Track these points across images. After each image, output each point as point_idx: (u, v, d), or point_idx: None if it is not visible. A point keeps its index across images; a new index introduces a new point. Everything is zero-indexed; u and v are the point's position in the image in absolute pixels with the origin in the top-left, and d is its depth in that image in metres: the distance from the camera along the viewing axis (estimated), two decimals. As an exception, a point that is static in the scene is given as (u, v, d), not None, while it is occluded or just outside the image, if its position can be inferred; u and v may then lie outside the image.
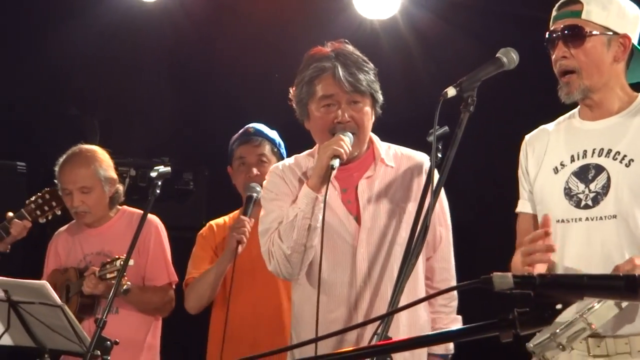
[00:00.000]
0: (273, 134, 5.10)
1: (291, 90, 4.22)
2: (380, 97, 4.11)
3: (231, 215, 5.16)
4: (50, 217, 5.34)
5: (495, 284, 1.97)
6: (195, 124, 7.48)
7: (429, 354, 4.20)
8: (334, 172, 3.97)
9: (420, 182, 4.15)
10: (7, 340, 4.64)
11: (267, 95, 6.80)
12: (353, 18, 6.40)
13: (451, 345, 4.26)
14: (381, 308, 4.03)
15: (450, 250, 4.34)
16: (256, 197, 4.84)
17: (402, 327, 4.01)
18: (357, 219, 4.13)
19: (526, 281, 1.94)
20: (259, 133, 5.06)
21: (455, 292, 4.34)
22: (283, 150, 5.10)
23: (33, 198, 5.31)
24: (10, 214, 5.25)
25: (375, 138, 4.26)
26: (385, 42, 6.20)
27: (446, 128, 3.92)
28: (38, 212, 5.28)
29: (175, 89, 7.55)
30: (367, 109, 4.07)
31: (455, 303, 4.32)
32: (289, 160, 4.30)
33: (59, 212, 5.33)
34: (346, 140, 3.98)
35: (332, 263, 4.01)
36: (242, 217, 4.83)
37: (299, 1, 6.80)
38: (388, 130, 4.29)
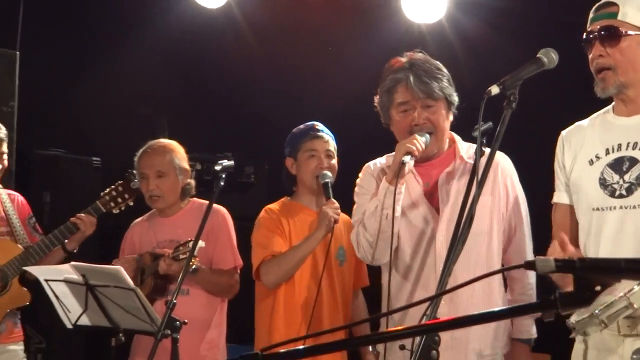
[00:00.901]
0: (330, 133, 5.08)
1: (375, 99, 4.33)
2: (455, 99, 4.17)
3: (281, 200, 5.15)
4: (123, 208, 5.37)
5: (538, 267, 1.96)
6: (256, 122, 7.50)
7: (512, 339, 4.22)
8: (407, 167, 4.05)
9: (495, 176, 4.21)
10: (85, 321, 4.65)
11: (321, 96, 6.83)
12: (402, 22, 6.38)
13: (533, 330, 4.25)
14: (458, 290, 4.05)
15: (526, 242, 4.33)
16: (330, 182, 4.87)
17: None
18: (437, 210, 4.20)
19: (567, 264, 1.93)
20: (324, 130, 5.05)
21: (531, 280, 4.33)
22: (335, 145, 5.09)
23: (107, 190, 5.34)
24: (80, 214, 5.28)
25: (457, 138, 4.34)
26: (431, 45, 6.16)
27: (490, 124, 3.92)
28: (112, 204, 5.32)
29: (236, 90, 7.58)
30: (442, 111, 4.15)
31: (532, 292, 4.31)
32: (380, 160, 4.39)
33: (131, 203, 5.36)
34: (420, 140, 4.07)
35: (413, 249, 4.07)
36: (332, 199, 4.82)
37: (352, 7, 6.79)
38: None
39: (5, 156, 5.34)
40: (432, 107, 4.15)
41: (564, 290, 2.31)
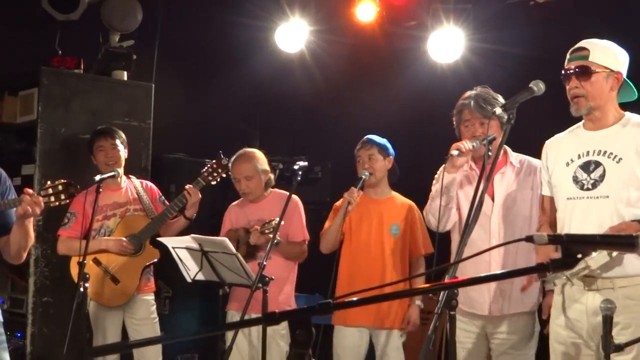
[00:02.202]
0: (381, 140, 5.06)
1: (453, 120, 4.42)
2: (504, 119, 3.99)
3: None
4: (218, 179, 5.35)
5: (535, 240, 1.98)
6: (322, 133, 7.51)
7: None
8: (454, 159, 4.13)
9: (534, 177, 4.26)
10: (200, 277, 4.70)
11: (369, 114, 6.83)
12: (428, 62, 6.35)
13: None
14: (507, 260, 4.19)
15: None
16: (363, 178, 4.90)
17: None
18: (492, 198, 4.30)
19: (556, 238, 1.95)
20: (370, 141, 5.05)
21: None
22: (390, 150, 5.06)
23: (205, 168, 5.35)
24: (189, 185, 5.30)
25: (508, 149, 4.39)
26: (451, 80, 6.11)
27: (494, 136, 3.95)
28: (210, 178, 5.31)
29: (307, 110, 7.59)
30: (493, 127, 4.15)
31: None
32: None
33: (224, 175, 5.32)
34: (468, 143, 4.15)
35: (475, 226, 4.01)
36: (354, 188, 4.87)
37: (391, 51, 6.77)
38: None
39: (122, 153, 5.38)
40: (485, 124, 4.20)
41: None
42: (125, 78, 6.25)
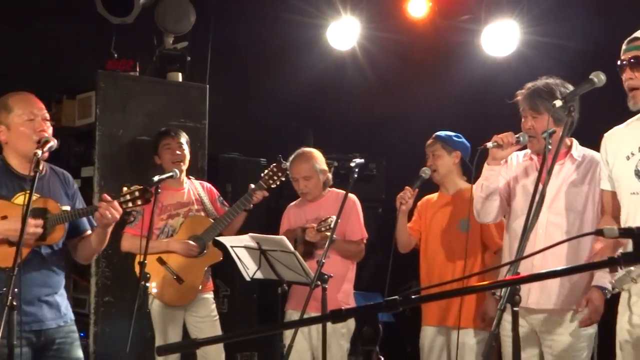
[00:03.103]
0: (447, 135, 4.99)
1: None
2: (559, 116, 3.96)
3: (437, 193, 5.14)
4: (278, 183, 5.37)
5: (605, 234, 1.93)
6: (377, 131, 7.50)
7: (593, 286, 4.00)
8: (493, 151, 4.11)
9: (594, 170, 4.10)
10: (258, 275, 4.73)
11: (422, 111, 6.80)
12: (482, 56, 6.29)
13: (609, 285, 3.97)
14: (555, 251, 3.98)
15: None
16: (422, 177, 4.83)
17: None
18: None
19: (627, 231, 1.90)
20: (435, 136, 5.00)
21: None
22: (458, 144, 4.97)
23: (266, 172, 5.37)
24: (252, 185, 5.35)
25: (575, 141, 4.24)
26: (506, 74, 6.03)
27: (554, 129, 3.88)
28: (270, 181, 5.34)
29: (360, 109, 7.58)
30: (545, 122, 4.01)
31: None
32: (518, 153, 4.36)
33: (283, 179, 5.34)
34: (512, 136, 4.07)
35: (524, 212, 3.86)
36: (407, 187, 4.82)
37: (445, 45, 6.72)
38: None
39: (187, 152, 5.44)
40: (537, 118, 4.08)
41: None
42: (180, 79, 6.31)
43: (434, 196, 5.11)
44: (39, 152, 3.51)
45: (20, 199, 3.70)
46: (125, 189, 3.85)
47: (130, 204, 3.82)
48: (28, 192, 3.59)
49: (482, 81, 6.37)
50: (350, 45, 6.68)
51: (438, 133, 5.01)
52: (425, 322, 4.95)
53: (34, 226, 3.63)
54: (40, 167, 3.68)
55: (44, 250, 3.78)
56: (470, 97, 6.54)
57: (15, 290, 3.23)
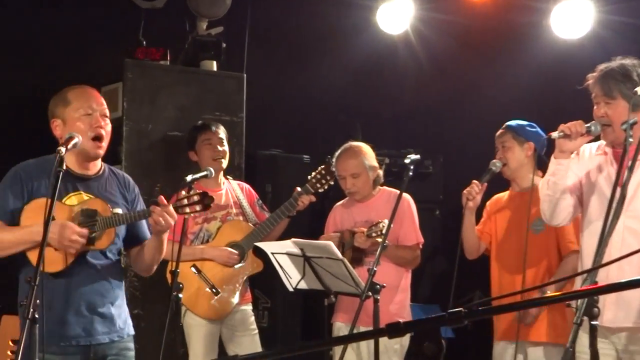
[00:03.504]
0: (519, 125, 4.91)
1: None
2: (638, 101, 3.84)
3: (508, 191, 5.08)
4: (326, 187, 5.37)
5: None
6: (432, 123, 7.46)
7: None
8: (560, 143, 4.01)
9: None
10: (302, 285, 4.70)
11: (483, 100, 6.73)
12: (550, 38, 6.21)
13: None
14: (632, 260, 3.83)
15: None
16: (492, 170, 4.78)
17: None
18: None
19: None
20: (506, 126, 4.92)
21: None
22: (532, 134, 4.87)
23: (313, 174, 5.37)
24: (298, 188, 5.34)
25: None
26: (578, 58, 5.94)
27: (635, 119, 3.79)
28: (318, 185, 5.34)
29: (415, 98, 7.55)
30: (620, 108, 3.91)
31: None
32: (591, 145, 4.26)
33: (332, 183, 5.35)
34: (582, 126, 3.97)
35: (599, 214, 3.85)
36: (475, 182, 4.77)
37: (508, 27, 6.66)
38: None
39: (226, 149, 5.45)
40: (611, 104, 3.95)
41: None
42: (215, 68, 6.33)
43: (504, 195, 5.05)
44: (63, 149, 3.54)
45: (72, 199, 3.77)
46: (183, 192, 3.88)
47: (186, 210, 3.82)
48: (81, 192, 3.71)
49: (551, 66, 6.30)
50: (402, 29, 6.65)
51: (509, 122, 4.93)
52: (496, 337, 4.87)
53: (77, 235, 3.66)
54: (98, 167, 3.84)
55: (95, 256, 3.80)
56: (538, 85, 6.46)
57: (37, 301, 3.24)
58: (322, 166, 5.35)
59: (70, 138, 3.66)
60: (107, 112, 3.89)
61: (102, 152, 3.83)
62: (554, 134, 3.99)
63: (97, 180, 3.87)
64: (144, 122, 5.96)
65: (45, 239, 3.34)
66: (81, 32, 6.42)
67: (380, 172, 5.30)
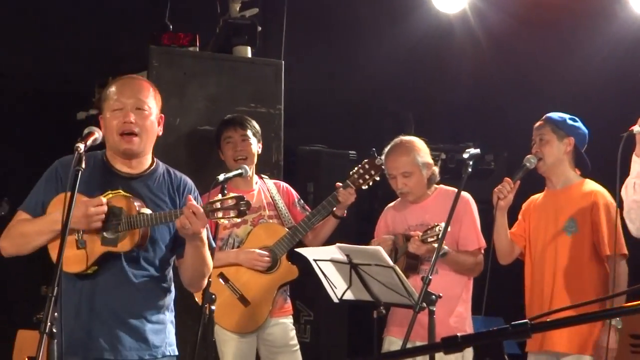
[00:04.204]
0: (559, 117, 5.00)
1: None
2: None
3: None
4: (370, 184, 5.36)
5: None
6: (494, 114, 7.43)
7: None
8: None
9: None
10: (349, 295, 4.71)
11: (552, 88, 6.68)
12: (631, 14, 6.15)
13: None
14: None
15: None
16: (526, 166, 4.86)
17: None
18: None
19: None
20: (545, 118, 5.01)
21: None
22: (573, 129, 4.98)
23: (355, 169, 5.36)
24: (339, 184, 5.35)
25: None
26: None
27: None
28: (361, 180, 5.32)
29: (473, 85, 7.53)
30: None
31: None
32: None
33: (377, 178, 5.34)
34: None
35: None
36: (507, 179, 4.84)
37: (577, 8, 6.61)
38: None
39: (255, 147, 5.47)
40: None
41: None
42: (250, 55, 6.35)
43: (539, 195, 5.14)
44: (81, 145, 3.58)
45: (108, 196, 3.82)
46: (219, 195, 3.88)
47: (219, 215, 3.77)
48: (120, 191, 3.80)
49: (633, 47, 6.23)
50: (459, 7, 6.64)
51: (549, 114, 5.00)
52: (527, 347, 4.91)
53: (92, 205, 3.69)
54: (146, 166, 3.93)
55: (129, 263, 3.83)
56: (617, 70, 6.41)
57: (55, 314, 3.27)
58: (366, 160, 5.34)
59: (90, 134, 3.70)
60: (145, 103, 3.93)
61: (134, 147, 3.87)
62: (636, 128, 3.96)
63: (143, 180, 3.93)
64: (171, 115, 5.97)
65: (64, 242, 3.38)
66: (102, 17, 6.49)
67: (436, 169, 5.29)
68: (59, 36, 6.48)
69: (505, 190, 4.81)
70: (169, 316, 3.99)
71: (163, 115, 4.09)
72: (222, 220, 3.83)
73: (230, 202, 3.77)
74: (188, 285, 4.10)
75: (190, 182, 4.09)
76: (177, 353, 3.99)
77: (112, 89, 3.94)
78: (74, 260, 3.73)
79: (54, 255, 3.75)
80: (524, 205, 5.14)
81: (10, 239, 3.88)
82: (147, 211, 3.82)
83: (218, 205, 3.77)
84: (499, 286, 4.94)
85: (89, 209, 3.69)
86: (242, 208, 3.76)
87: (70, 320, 3.63)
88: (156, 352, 3.89)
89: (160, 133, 4.09)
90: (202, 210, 3.73)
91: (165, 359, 3.92)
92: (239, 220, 5.24)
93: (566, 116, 4.99)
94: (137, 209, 3.79)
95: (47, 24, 6.48)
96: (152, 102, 3.97)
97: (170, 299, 4.01)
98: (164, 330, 3.94)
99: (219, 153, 5.49)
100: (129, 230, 3.77)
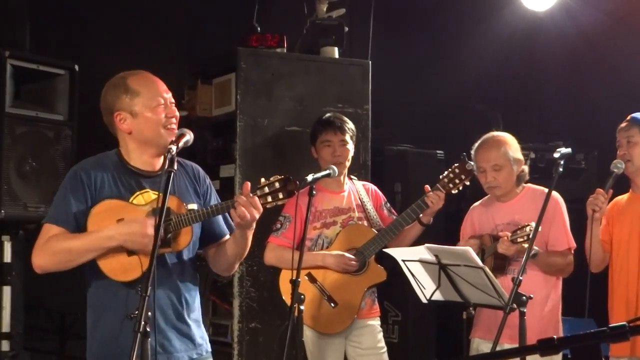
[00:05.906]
0: None
1: None
2: None
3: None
4: (460, 188, 5.32)
5: None
6: (585, 112, 7.33)
7: None
8: None
9: None
10: (438, 296, 4.68)
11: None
12: None
13: None
14: None
15: None
16: (614, 173, 4.78)
17: None
18: None
19: None
20: (631, 119, 4.91)
21: None
22: None
23: (445, 173, 5.31)
24: (428, 187, 5.33)
25: None
26: None
27: None
28: (451, 185, 5.28)
29: (564, 83, 7.45)
30: None
31: None
32: None
33: (467, 183, 5.30)
34: None
35: None
36: (599, 190, 4.75)
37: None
38: None
39: (351, 149, 5.47)
40: None
41: None
42: (337, 55, 6.37)
43: (623, 197, 5.05)
44: (174, 147, 3.58)
45: (138, 198, 3.76)
46: (263, 179, 3.78)
47: (269, 199, 3.72)
48: (148, 191, 3.72)
49: None
50: (549, 5, 6.58)
51: (635, 115, 4.90)
52: (611, 352, 4.87)
53: (152, 226, 3.55)
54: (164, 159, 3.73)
55: (170, 260, 3.79)
56: None
57: (149, 313, 3.27)
58: (456, 164, 5.30)
59: (182, 135, 3.70)
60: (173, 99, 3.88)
61: (174, 139, 3.72)
62: None
63: (164, 176, 3.74)
64: (259, 117, 6.05)
65: (157, 247, 3.39)
66: (189, 20, 6.57)
67: (526, 168, 5.23)
68: (150, 39, 6.58)
69: (600, 202, 4.73)
70: (200, 309, 3.95)
71: None
72: (272, 203, 3.74)
73: (277, 185, 3.72)
74: (224, 270, 4.04)
75: (199, 167, 4.02)
76: (210, 348, 3.96)
77: (141, 84, 3.80)
78: (126, 268, 3.65)
79: (105, 266, 3.67)
80: (608, 209, 5.01)
81: (51, 255, 3.68)
82: (194, 206, 3.80)
83: (266, 189, 3.73)
84: (586, 287, 4.89)
85: (149, 229, 3.58)
86: (289, 188, 3.71)
87: (119, 325, 3.61)
88: (200, 349, 3.88)
89: None
90: (257, 199, 3.68)
91: (206, 354, 3.90)
92: (322, 217, 5.32)
93: None
94: (185, 206, 3.75)
95: (138, 27, 6.58)
96: None
97: (198, 289, 3.96)
98: (201, 325, 3.93)
99: (312, 151, 5.50)
100: (180, 228, 3.71)
